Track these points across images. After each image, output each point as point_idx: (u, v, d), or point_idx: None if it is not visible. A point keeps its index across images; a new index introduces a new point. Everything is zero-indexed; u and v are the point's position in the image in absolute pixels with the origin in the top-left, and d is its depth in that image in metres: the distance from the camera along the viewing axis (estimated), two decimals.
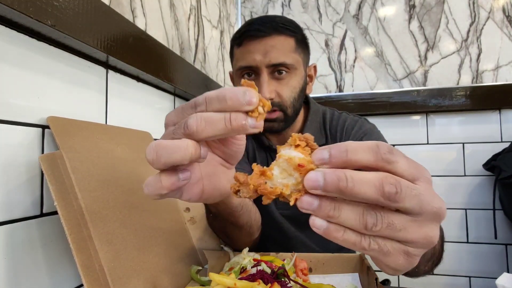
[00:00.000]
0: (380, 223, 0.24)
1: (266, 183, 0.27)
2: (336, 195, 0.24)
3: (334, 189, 0.23)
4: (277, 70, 0.74)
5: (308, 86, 0.84)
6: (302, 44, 0.78)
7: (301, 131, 0.84)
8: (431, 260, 0.55)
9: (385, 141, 0.80)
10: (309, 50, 0.83)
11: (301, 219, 0.79)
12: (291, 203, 0.26)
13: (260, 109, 0.28)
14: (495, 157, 1.13)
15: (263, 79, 0.73)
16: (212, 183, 0.36)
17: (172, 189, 0.29)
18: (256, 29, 0.73)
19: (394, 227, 0.24)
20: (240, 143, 0.36)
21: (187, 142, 0.27)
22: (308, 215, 0.25)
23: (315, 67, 0.86)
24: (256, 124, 0.28)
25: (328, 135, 0.84)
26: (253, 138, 0.86)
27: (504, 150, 1.11)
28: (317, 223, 0.25)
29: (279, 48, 0.73)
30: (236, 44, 0.78)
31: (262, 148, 0.86)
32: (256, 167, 0.28)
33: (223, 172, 0.38)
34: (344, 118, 0.86)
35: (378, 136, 0.83)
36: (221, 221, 0.59)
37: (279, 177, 0.27)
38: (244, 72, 0.76)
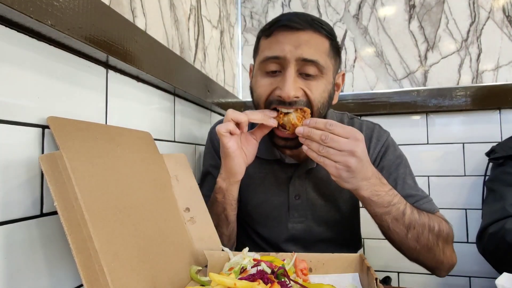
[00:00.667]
0: (329, 138, 0.59)
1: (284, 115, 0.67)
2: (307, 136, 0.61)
3: (306, 134, 0.61)
4: (306, 68, 0.65)
5: (335, 95, 0.75)
6: (336, 51, 0.70)
7: None
8: (403, 225, 0.64)
9: (399, 149, 0.81)
10: (341, 60, 0.74)
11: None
12: (290, 128, 0.66)
13: (293, 115, 0.65)
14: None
15: (289, 74, 0.64)
16: (240, 157, 0.67)
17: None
18: (290, 20, 0.65)
19: (334, 141, 0.58)
20: (255, 148, 0.71)
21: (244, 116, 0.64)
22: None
23: (343, 74, 0.77)
24: (274, 122, 0.67)
25: None
26: (266, 151, 0.80)
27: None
28: (299, 129, 0.62)
29: (313, 45, 0.65)
30: (265, 35, 0.69)
31: (269, 162, 0.81)
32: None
33: (244, 160, 0.69)
34: (359, 126, 0.81)
35: (394, 147, 0.80)
36: (219, 208, 0.72)
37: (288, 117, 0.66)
38: (269, 64, 0.67)
